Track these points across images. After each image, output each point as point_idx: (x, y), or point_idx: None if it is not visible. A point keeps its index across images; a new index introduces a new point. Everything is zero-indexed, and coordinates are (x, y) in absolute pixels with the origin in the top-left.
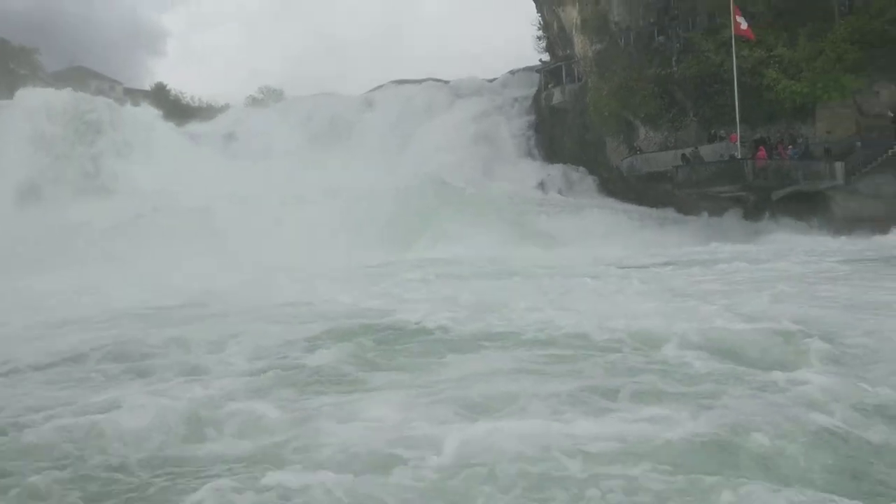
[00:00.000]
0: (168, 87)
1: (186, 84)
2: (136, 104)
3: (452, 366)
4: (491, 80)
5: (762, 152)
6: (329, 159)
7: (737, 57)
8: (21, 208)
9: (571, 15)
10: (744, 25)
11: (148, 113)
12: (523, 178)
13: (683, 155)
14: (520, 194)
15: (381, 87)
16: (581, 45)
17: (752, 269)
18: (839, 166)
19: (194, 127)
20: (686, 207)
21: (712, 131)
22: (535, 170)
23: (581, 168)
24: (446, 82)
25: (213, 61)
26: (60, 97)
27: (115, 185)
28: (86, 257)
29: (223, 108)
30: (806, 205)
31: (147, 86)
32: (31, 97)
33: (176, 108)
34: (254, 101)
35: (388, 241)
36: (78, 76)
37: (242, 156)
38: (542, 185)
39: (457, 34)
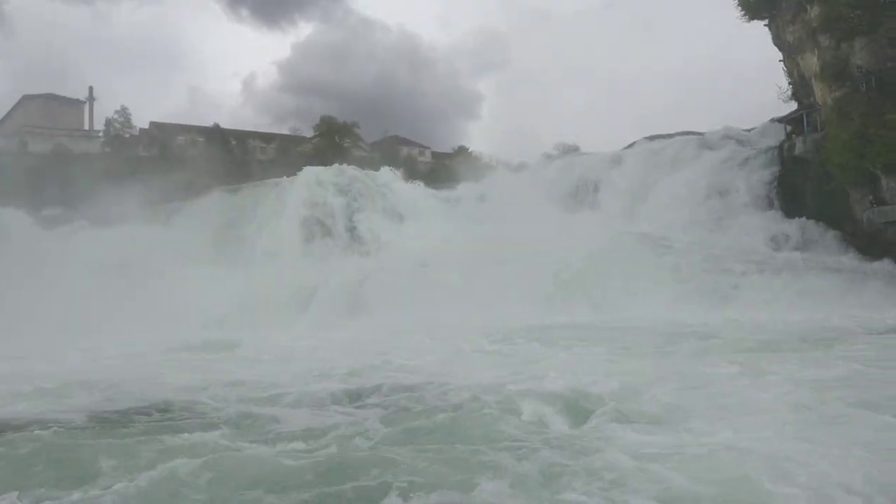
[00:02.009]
0: (469, 149)
1: (496, 143)
2: (443, 166)
3: None
4: (749, 130)
5: None
6: (567, 218)
7: None
8: (294, 264)
9: (811, 62)
10: None
11: (390, 176)
12: (755, 233)
13: None
14: (743, 250)
15: (633, 143)
16: (820, 93)
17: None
18: None
19: (460, 189)
20: None
21: None
22: (769, 224)
23: (820, 222)
24: (701, 135)
25: (520, 120)
26: (329, 170)
27: (370, 245)
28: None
29: (518, 167)
30: None
31: (451, 148)
32: (308, 172)
33: (474, 168)
34: (548, 158)
35: (561, 300)
36: (391, 144)
37: (489, 218)
38: (773, 241)
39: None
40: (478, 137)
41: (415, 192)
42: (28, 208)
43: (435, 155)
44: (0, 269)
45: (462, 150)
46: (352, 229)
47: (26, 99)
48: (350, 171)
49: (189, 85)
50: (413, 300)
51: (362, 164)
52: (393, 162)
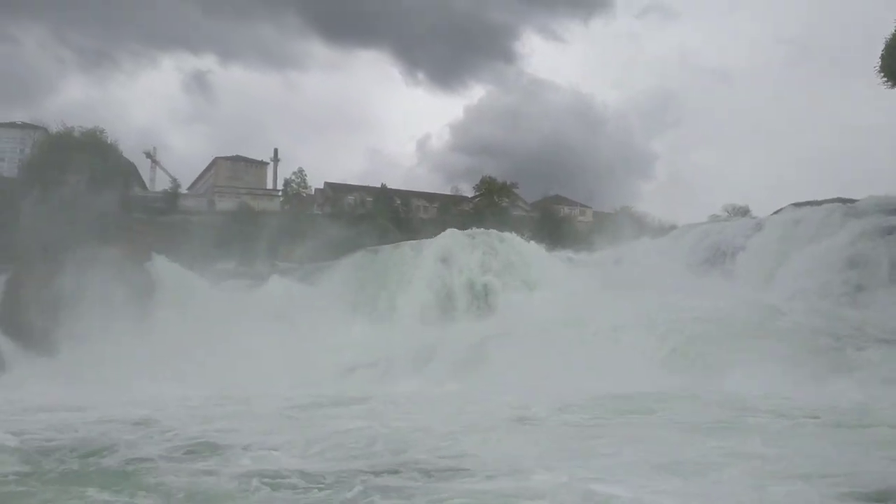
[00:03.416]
0: (632, 209)
1: (668, 203)
2: (602, 226)
3: None
4: None
5: None
6: (698, 286)
7: None
8: (423, 323)
9: None
10: None
11: (522, 241)
12: (891, 307)
13: None
14: (873, 325)
15: (780, 210)
16: None
17: None
18: None
19: (597, 253)
20: None
21: None
22: None
23: None
24: (851, 202)
25: (694, 180)
26: (462, 234)
27: (497, 308)
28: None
29: (663, 231)
30: None
31: (615, 208)
32: (443, 236)
33: (639, 229)
34: (714, 220)
35: (670, 369)
36: (551, 203)
37: (622, 282)
38: None
39: None
40: (650, 197)
41: (547, 257)
42: (206, 262)
43: (596, 214)
44: (157, 317)
45: (625, 210)
46: (480, 292)
47: (218, 160)
48: (483, 235)
49: (368, 146)
50: (525, 363)
51: (520, 223)
52: (551, 221)
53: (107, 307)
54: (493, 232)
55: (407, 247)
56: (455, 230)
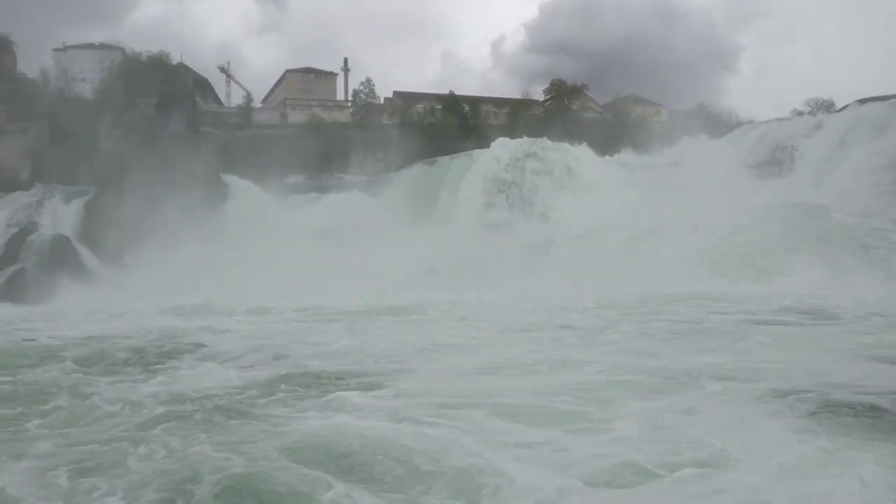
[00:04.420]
0: (708, 107)
1: (754, 98)
2: (676, 126)
3: None
4: None
5: None
6: (751, 187)
7: None
8: (476, 233)
9: None
10: None
11: (581, 150)
12: None
13: None
14: None
15: (845, 107)
16: None
17: None
18: None
19: (653, 156)
20: None
21: None
22: None
23: None
24: None
25: (781, 72)
26: (513, 142)
27: (547, 215)
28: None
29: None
30: None
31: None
32: (496, 145)
33: (716, 126)
34: (797, 115)
35: (706, 271)
36: (624, 104)
37: (676, 186)
38: None
39: None
40: (735, 92)
41: (599, 162)
42: (277, 176)
43: (672, 114)
44: (228, 233)
45: (700, 109)
46: (531, 200)
47: (288, 73)
48: (532, 143)
49: (441, 51)
50: (571, 269)
51: (591, 126)
52: (623, 123)
53: (178, 224)
54: (545, 140)
55: (462, 158)
56: (505, 140)
